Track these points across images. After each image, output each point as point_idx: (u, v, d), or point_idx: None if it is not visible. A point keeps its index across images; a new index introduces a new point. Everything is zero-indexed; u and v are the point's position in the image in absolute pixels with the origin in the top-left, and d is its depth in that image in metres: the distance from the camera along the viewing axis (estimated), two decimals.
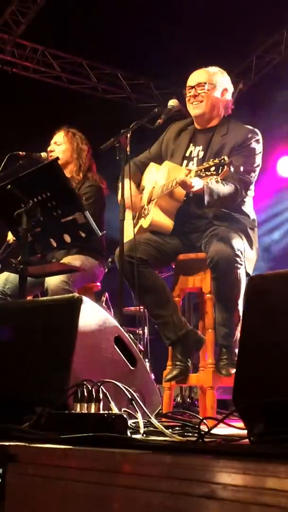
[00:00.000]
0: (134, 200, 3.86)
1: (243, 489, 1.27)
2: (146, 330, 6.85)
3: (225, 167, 3.35)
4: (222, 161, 3.36)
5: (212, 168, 3.37)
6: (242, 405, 1.76)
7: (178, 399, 5.62)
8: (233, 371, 3.53)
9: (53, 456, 1.68)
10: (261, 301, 1.84)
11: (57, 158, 3.68)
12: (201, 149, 3.92)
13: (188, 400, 5.75)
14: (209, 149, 3.87)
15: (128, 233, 3.67)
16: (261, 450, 1.46)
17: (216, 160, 3.39)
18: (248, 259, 3.64)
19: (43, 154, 4.45)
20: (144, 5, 7.42)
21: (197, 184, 3.49)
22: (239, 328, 3.62)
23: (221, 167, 3.35)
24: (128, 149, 3.62)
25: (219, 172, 3.34)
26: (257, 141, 3.87)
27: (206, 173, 3.40)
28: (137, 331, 7.01)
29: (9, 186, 3.35)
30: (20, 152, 4.23)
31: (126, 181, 3.73)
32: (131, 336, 3.07)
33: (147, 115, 3.84)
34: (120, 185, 3.74)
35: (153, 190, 3.96)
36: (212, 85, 3.92)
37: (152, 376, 3.63)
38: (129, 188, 3.79)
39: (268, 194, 7.92)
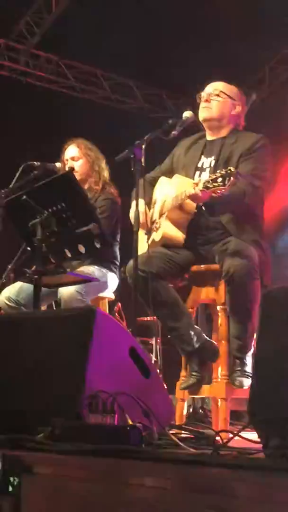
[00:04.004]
0: (146, 218, 3.88)
1: (258, 503, 1.27)
2: (158, 340, 6.84)
3: (232, 177, 3.36)
4: (229, 171, 3.37)
5: (219, 179, 3.39)
6: (257, 418, 1.76)
7: (190, 409, 5.60)
8: (247, 382, 3.53)
9: (67, 467, 1.68)
10: (278, 313, 1.83)
11: (73, 169, 3.71)
12: (213, 159, 3.92)
13: (200, 411, 5.73)
14: (220, 158, 3.88)
15: (141, 246, 3.68)
16: (277, 465, 1.45)
17: (223, 171, 3.40)
18: (263, 270, 3.63)
19: (58, 164, 4.46)
20: (157, 15, 7.46)
21: (203, 197, 3.52)
22: (253, 340, 3.62)
23: (227, 178, 3.36)
24: (142, 160, 3.63)
25: (226, 182, 3.36)
26: (265, 146, 3.87)
27: (214, 184, 3.41)
28: (150, 341, 7.00)
29: (24, 197, 3.37)
30: (35, 162, 4.25)
31: (141, 201, 3.75)
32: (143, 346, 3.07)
33: (162, 126, 3.85)
34: (133, 196, 3.75)
35: (164, 203, 3.96)
36: (225, 95, 3.95)
37: (165, 386, 3.63)
38: (144, 211, 3.82)
39: (281, 204, 7.89)
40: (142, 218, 3.77)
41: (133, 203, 3.78)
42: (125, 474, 1.56)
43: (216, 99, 3.95)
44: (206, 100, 3.96)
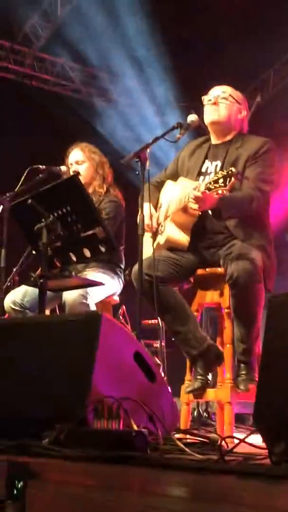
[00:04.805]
0: (151, 221, 3.88)
1: (266, 510, 1.27)
2: (163, 343, 6.84)
3: (233, 178, 3.36)
4: (229, 172, 3.37)
5: (221, 180, 3.40)
6: (263, 424, 1.76)
7: (195, 413, 5.60)
8: (252, 386, 3.53)
9: (73, 473, 1.68)
10: (284, 319, 1.83)
11: (78, 173, 3.71)
12: (219, 163, 3.92)
13: (204, 414, 5.73)
14: (225, 162, 3.88)
15: (146, 250, 3.68)
16: (284, 472, 1.45)
17: (224, 172, 3.40)
18: (267, 275, 3.63)
19: (63, 168, 4.47)
20: (161, 18, 7.47)
21: (209, 199, 3.51)
22: (257, 343, 3.62)
23: (228, 179, 3.36)
24: (147, 163, 3.63)
25: (227, 183, 3.36)
26: (271, 149, 3.86)
27: (215, 185, 3.42)
28: (154, 344, 7.00)
29: (29, 201, 3.38)
30: (40, 166, 4.26)
31: (146, 204, 3.75)
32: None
33: (167, 129, 3.85)
34: (139, 200, 3.75)
35: (168, 206, 3.96)
36: (233, 99, 3.95)
37: (169, 390, 3.62)
38: (149, 214, 3.82)
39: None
40: (147, 220, 3.77)
41: (140, 207, 3.79)
42: (130, 481, 1.56)
43: (224, 102, 3.94)
44: (214, 103, 3.94)
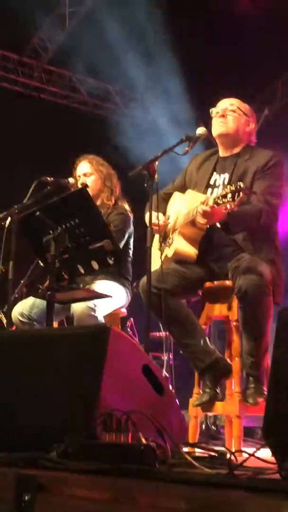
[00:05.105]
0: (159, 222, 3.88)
1: None
2: (170, 356, 6.82)
3: (241, 193, 3.35)
4: (238, 187, 3.37)
5: (229, 195, 3.38)
6: (273, 438, 1.75)
7: (203, 426, 5.58)
8: (260, 400, 3.51)
9: (80, 486, 1.67)
10: None
11: (86, 186, 3.72)
12: (227, 175, 3.92)
13: (213, 427, 5.70)
14: (233, 175, 3.88)
15: (154, 263, 3.68)
16: None
17: (233, 187, 3.40)
18: (276, 288, 3.62)
19: (71, 180, 4.48)
20: (167, 29, 7.49)
21: (218, 214, 3.51)
22: (266, 357, 3.61)
23: (237, 194, 3.36)
24: (156, 176, 3.63)
25: (235, 198, 3.35)
26: (280, 163, 3.86)
27: (224, 200, 3.40)
28: (162, 356, 6.99)
29: (38, 213, 3.38)
30: (48, 178, 4.26)
31: (154, 213, 3.75)
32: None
33: (176, 143, 3.85)
34: (147, 214, 3.75)
35: (177, 219, 3.96)
36: (241, 111, 3.96)
37: (178, 403, 3.61)
38: (156, 215, 3.81)
39: None
40: (154, 219, 3.76)
41: (147, 214, 3.78)
42: (138, 494, 1.55)
43: (232, 115, 3.95)
44: (222, 116, 3.95)
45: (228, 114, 3.95)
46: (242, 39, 7.42)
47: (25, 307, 4.29)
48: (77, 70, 8.86)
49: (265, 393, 3.35)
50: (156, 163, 3.66)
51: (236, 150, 4.00)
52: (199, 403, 3.70)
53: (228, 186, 3.46)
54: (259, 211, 3.66)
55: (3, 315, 5.52)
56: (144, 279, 3.66)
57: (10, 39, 8.11)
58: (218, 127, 3.97)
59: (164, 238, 4.01)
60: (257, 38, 7.40)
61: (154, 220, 3.75)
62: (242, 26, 7.22)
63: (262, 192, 3.67)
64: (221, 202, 3.41)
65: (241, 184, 3.39)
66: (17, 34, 8.04)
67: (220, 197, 3.43)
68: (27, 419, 2.32)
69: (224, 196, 3.41)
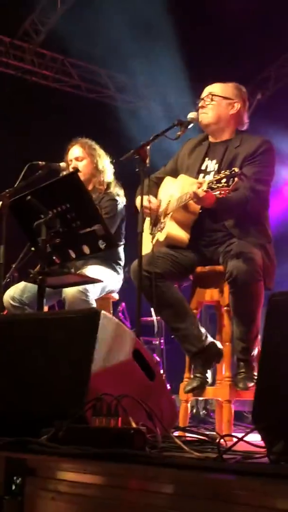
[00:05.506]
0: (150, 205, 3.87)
1: (262, 510, 1.27)
2: (162, 340, 6.85)
3: (236, 178, 3.35)
4: (233, 172, 3.36)
5: (223, 180, 3.38)
6: (262, 423, 1.76)
7: (194, 411, 5.60)
8: (251, 384, 3.53)
9: (71, 470, 1.67)
10: (283, 318, 1.83)
11: (77, 170, 3.69)
12: (216, 162, 3.91)
13: (203, 411, 5.73)
14: (223, 161, 3.87)
15: (145, 247, 3.68)
16: (282, 471, 1.45)
17: (227, 172, 3.39)
18: (267, 273, 3.62)
19: (62, 164, 4.45)
20: (160, 13, 7.44)
21: (209, 198, 3.50)
22: (257, 342, 3.62)
23: (231, 179, 3.35)
24: (147, 161, 3.62)
25: (230, 183, 3.35)
26: (270, 150, 3.85)
27: (218, 185, 3.40)
28: (153, 341, 7.01)
29: (29, 197, 3.37)
30: (40, 162, 4.23)
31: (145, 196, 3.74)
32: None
33: (167, 127, 3.83)
34: (138, 198, 3.74)
35: (169, 203, 3.96)
36: (218, 97, 3.93)
37: (168, 387, 3.63)
38: (147, 198, 3.81)
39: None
40: (146, 203, 3.75)
41: (138, 198, 3.77)
42: (128, 478, 1.55)
43: (210, 103, 3.94)
44: (202, 106, 3.95)
45: (207, 104, 3.94)
46: (237, 23, 7.36)
47: (16, 291, 4.29)
48: (69, 53, 8.79)
49: (256, 378, 3.36)
50: (148, 147, 3.64)
51: (226, 136, 3.99)
52: (189, 389, 3.71)
53: (223, 171, 3.45)
54: (243, 199, 3.66)
55: None
56: (135, 263, 3.66)
57: (2, 21, 8.03)
58: (200, 118, 3.97)
59: (156, 223, 4.00)
60: (251, 22, 7.37)
61: (145, 203, 3.75)
62: (236, 9, 7.17)
63: (249, 178, 3.66)
64: (215, 186, 3.41)
65: (236, 169, 3.39)
66: (9, 17, 7.97)
67: (214, 182, 3.42)
68: (17, 403, 2.32)
69: (219, 180, 3.40)
